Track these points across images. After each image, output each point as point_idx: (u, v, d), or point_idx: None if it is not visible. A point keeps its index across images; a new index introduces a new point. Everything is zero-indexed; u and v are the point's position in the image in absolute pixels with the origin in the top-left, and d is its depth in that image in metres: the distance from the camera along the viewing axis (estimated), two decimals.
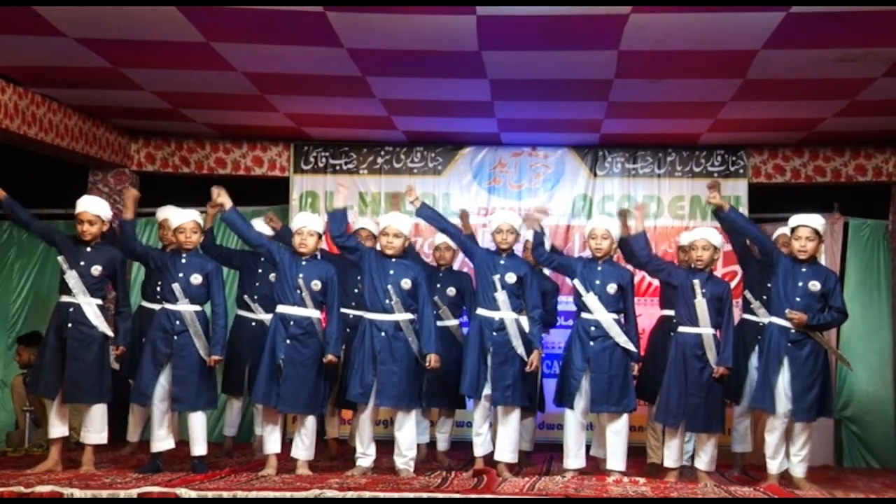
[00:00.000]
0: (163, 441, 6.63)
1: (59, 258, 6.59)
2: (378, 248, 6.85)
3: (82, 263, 6.59)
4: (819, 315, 6.61)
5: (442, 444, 7.82)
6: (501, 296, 6.83)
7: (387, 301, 6.65)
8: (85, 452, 6.68)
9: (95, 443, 6.68)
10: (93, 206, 6.67)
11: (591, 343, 6.87)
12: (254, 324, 7.70)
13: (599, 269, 6.95)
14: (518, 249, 7.26)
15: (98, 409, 6.64)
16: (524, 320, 6.90)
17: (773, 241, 7.18)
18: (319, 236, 6.75)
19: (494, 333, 6.84)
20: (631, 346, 6.87)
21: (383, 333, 6.64)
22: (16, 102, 7.64)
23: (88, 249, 6.63)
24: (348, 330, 7.11)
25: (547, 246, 7.09)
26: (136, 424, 7.74)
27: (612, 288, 6.89)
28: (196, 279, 6.63)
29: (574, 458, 6.91)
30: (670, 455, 6.83)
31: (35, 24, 6.34)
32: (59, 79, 7.66)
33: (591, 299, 6.89)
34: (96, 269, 6.61)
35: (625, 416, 6.90)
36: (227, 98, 8.15)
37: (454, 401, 7.57)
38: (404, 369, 6.63)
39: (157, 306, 6.99)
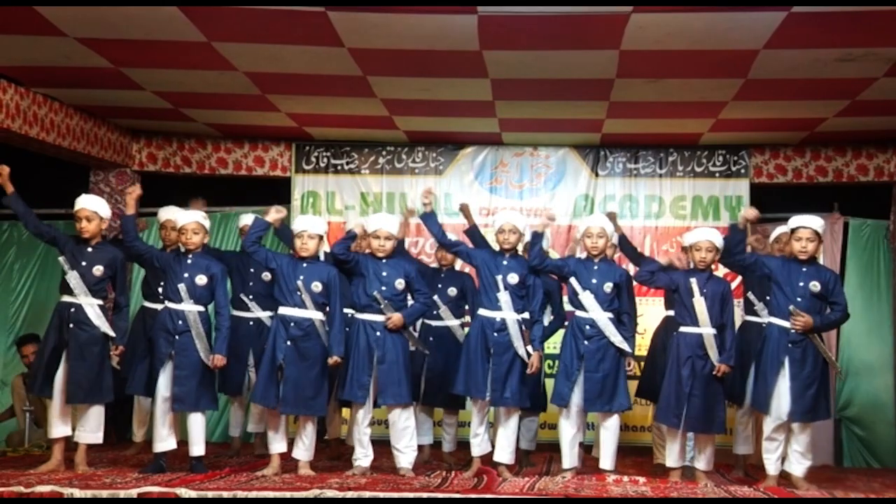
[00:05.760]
0: (165, 441, 6.63)
1: (61, 258, 6.60)
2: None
3: (84, 264, 6.59)
4: (823, 316, 6.62)
5: (447, 445, 7.82)
6: (504, 296, 6.82)
7: (375, 303, 6.68)
8: (78, 452, 6.67)
9: (91, 442, 6.68)
10: (91, 203, 6.70)
11: (586, 342, 6.87)
12: (251, 322, 7.70)
13: (595, 267, 6.95)
14: (519, 250, 7.24)
15: (96, 409, 6.64)
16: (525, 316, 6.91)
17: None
18: (321, 238, 6.76)
19: (496, 334, 6.83)
20: (625, 346, 6.87)
21: (378, 333, 6.66)
22: (17, 102, 7.64)
23: (90, 249, 6.64)
24: (347, 329, 7.11)
25: (545, 246, 7.11)
26: (140, 424, 7.74)
27: (608, 287, 6.89)
28: (201, 280, 6.64)
29: (568, 457, 6.91)
30: (671, 455, 6.82)
31: (36, 24, 6.34)
32: (61, 79, 7.67)
33: (586, 298, 6.88)
34: (98, 270, 6.61)
35: (616, 415, 6.91)
36: (229, 98, 8.15)
37: (458, 401, 7.57)
38: (401, 367, 6.66)
39: (159, 306, 6.99)
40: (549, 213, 7.31)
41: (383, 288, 6.68)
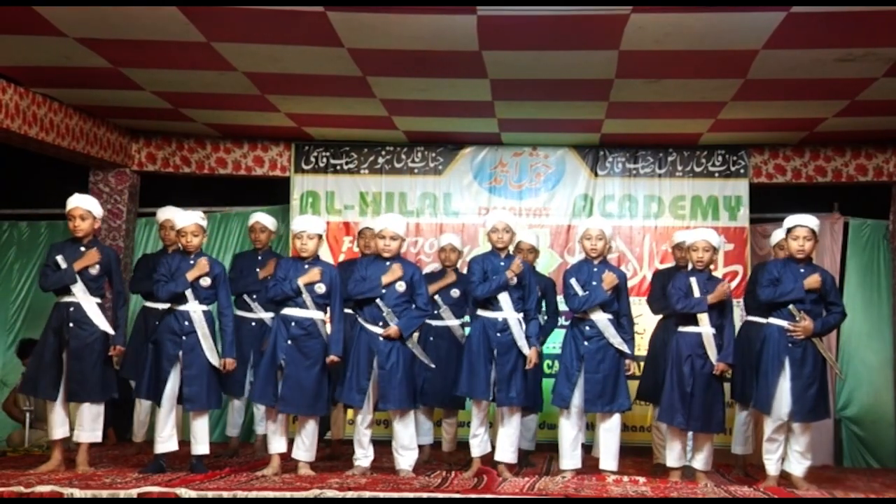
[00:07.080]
0: (167, 442, 6.61)
1: (58, 258, 6.59)
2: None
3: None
4: (823, 320, 6.63)
5: (447, 445, 7.81)
6: (503, 296, 6.83)
7: (376, 311, 6.68)
8: (79, 451, 6.66)
9: (90, 441, 6.67)
10: (84, 202, 6.70)
11: (586, 343, 6.89)
12: (253, 323, 7.72)
13: (595, 269, 6.95)
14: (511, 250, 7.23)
15: (95, 407, 6.64)
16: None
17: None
18: (320, 238, 6.76)
19: (499, 334, 6.83)
20: (624, 347, 6.88)
21: (380, 337, 6.66)
22: (16, 102, 7.63)
23: (82, 248, 6.65)
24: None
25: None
26: (140, 424, 7.74)
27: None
28: (205, 281, 6.66)
29: (569, 458, 6.90)
30: (672, 455, 6.82)
31: (35, 24, 6.34)
32: (60, 79, 7.66)
33: None
34: (93, 269, 6.62)
35: (617, 416, 6.91)
36: (228, 98, 8.15)
37: (457, 401, 7.57)
38: (402, 371, 6.65)
39: (159, 306, 6.99)
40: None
41: (384, 291, 6.68)
